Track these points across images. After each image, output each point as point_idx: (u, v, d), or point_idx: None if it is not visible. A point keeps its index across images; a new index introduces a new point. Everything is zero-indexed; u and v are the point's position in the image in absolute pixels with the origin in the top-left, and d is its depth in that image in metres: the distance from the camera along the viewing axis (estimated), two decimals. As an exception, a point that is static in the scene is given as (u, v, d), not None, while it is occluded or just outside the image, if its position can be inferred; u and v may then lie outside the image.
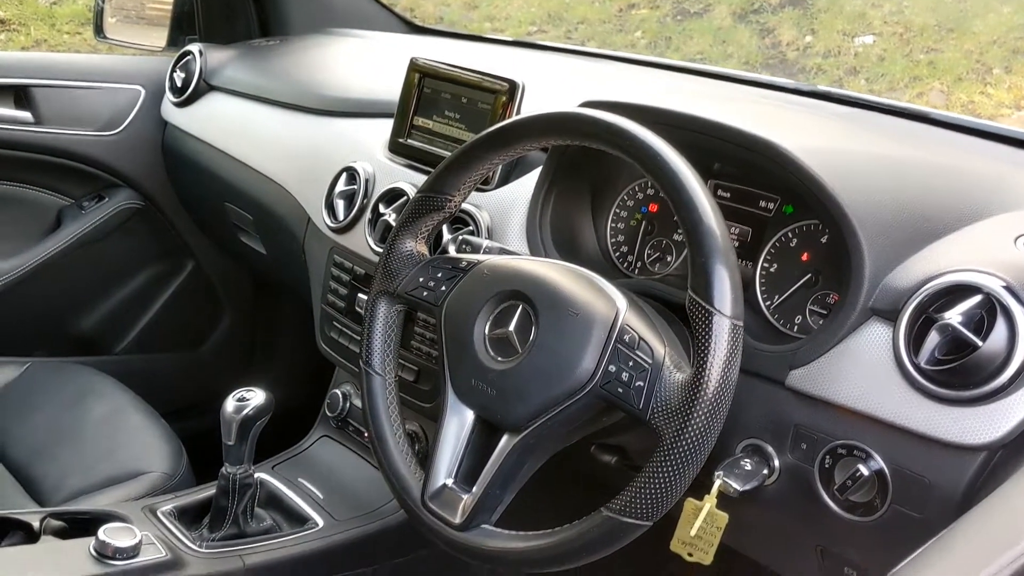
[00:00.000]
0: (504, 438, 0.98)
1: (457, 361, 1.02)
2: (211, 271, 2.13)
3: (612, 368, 0.92)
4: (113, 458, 1.51)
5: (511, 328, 0.99)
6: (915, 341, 0.93)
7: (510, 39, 2.33)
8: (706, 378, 0.86)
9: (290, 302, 2.13)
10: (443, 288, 1.06)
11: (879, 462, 0.95)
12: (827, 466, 0.99)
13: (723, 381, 0.87)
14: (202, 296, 2.15)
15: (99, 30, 2.11)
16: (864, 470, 0.96)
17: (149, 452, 1.52)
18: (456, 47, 1.97)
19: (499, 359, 0.99)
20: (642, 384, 0.90)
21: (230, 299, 2.18)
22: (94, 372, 1.73)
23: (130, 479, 1.46)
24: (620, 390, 0.91)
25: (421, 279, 1.08)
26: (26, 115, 1.86)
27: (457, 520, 0.99)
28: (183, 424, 1.69)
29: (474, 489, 0.99)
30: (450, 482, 1.01)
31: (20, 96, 1.86)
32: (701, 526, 1.02)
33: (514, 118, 1.05)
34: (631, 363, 0.92)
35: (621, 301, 0.97)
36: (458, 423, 1.02)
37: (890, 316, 0.96)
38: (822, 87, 1.51)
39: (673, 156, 0.92)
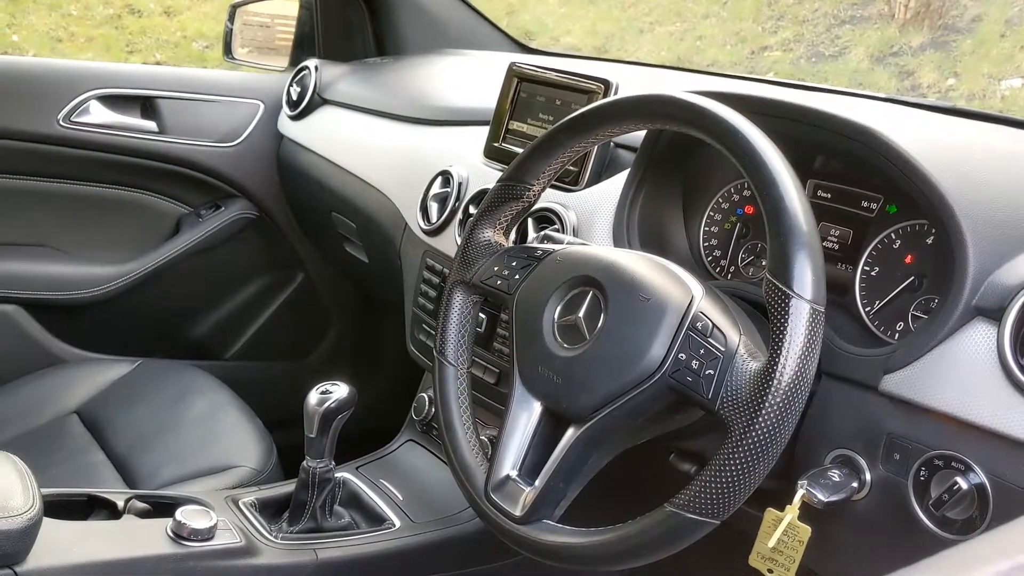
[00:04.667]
0: (569, 430, 0.94)
1: (525, 349, 0.99)
2: (320, 282, 2.17)
3: (683, 356, 0.87)
4: (206, 452, 1.53)
5: (580, 314, 0.95)
6: (1022, 341, 0.85)
7: (623, 60, 2.31)
8: (781, 366, 0.80)
9: (392, 314, 2.15)
10: (517, 277, 1.04)
11: (979, 475, 0.87)
12: (922, 479, 0.91)
13: (800, 370, 0.80)
14: (310, 307, 2.19)
15: (228, 51, 2.21)
16: (963, 483, 0.87)
17: (241, 448, 1.54)
18: (568, 63, 1.97)
19: (566, 346, 0.95)
20: (712, 372, 0.85)
21: (337, 311, 2.21)
22: (199, 372, 1.78)
23: (219, 472, 1.48)
24: (689, 379, 0.86)
25: (496, 268, 1.06)
26: (151, 125, 1.95)
27: (518, 513, 0.95)
28: (285, 433, 1.71)
29: (536, 482, 0.95)
30: (514, 473, 0.98)
31: (146, 106, 1.95)
32: (781, 538, 0.95)
33: (594, 104, 1.02)
34: (702, 351, 0.86)
35: (697, 288, 0.92)
36: (526, 414, 0.98)
37: (995, 315, 0.88)
38: (934, 100, 1.42)
39: (756, 134, 0.88)
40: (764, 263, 1.19)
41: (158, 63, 5.83)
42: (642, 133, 1.22)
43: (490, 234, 1.09)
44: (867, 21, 5.86)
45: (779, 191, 0.84)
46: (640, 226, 1.22)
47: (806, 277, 0.81)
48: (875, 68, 5.53)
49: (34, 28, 5.84)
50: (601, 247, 1.05)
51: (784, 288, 0.81)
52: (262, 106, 2.05)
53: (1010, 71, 5.16)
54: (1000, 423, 0.85)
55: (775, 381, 0.80)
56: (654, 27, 6.47)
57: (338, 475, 1.32)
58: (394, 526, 1.33)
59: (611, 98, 1.01)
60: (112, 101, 1.92)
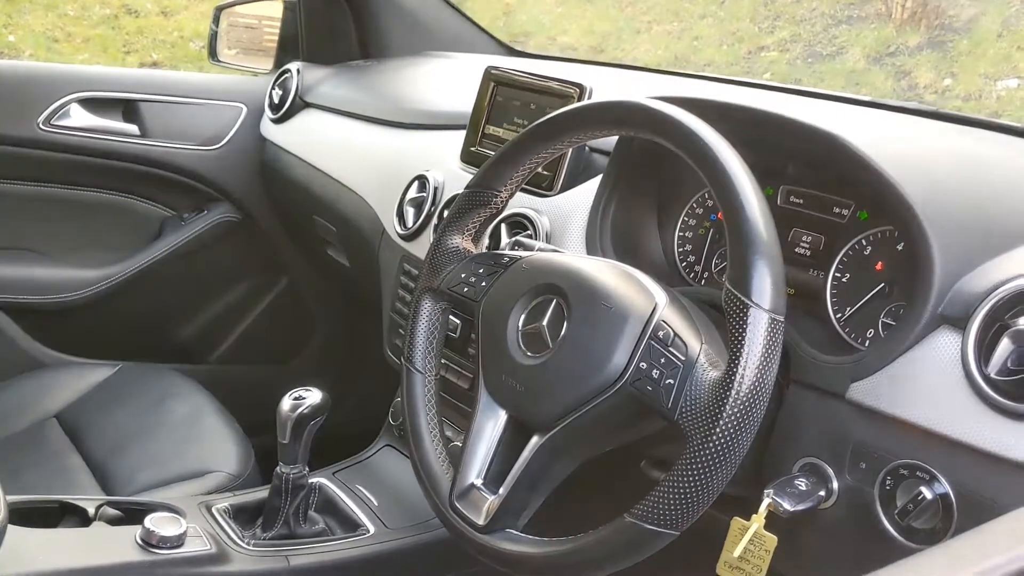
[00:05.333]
0: (533, 438, 0.93)
1: (490, 357, 0.98)
2: (304, 286, 2.16)
3: (644, 365, 0.87)
4: (183, 456, 1.53)
5: (544, 323, 0.94)
6: (986, 350, 0.84)
7: (607, 62, 2.30)
8: (739, 376, 0.79)
9: (375, 318, 2.14)
10: (483, 284, 1.03)
11: (944, 484, 0.86)
12: (888, 488, 0.90)
13: (758, 380, 0.80)
14: (294, 311, 2.18)
15: (213, 53, 2.20)
16: (927, 493, 0.87)
17: (218, 453, 1.53)
18: (548, 66, 1.96)
19: (529, 354, 0.95)
20: (672, 382, 0.84)
21: (321, 314, 2.20)
22: (180, 376, 1.77)
23: (196, 477, 1.47)
24: (649, 388, 0.85)
25: (463, 275, 1.06)
26: (133, 128, 1.94)
27: (481, 521, 0.94)
28: (268, 437, 1.70)
29: (500, 490, 0.95)
30: (479, 482, 0.97)
31: (128, 110, 1.94)
32: (748, 547, 0.94)
33: (558, 111, 1.01)
34: (663, 360, 0.86)
35: (661, 296, 0.91)
36: (491, 422, 0.98)
37: (960, 323, 0.87)
38: (916, 104, 1.41)
39: (717, 141, 0.87)
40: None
41: (155, 63, 5.82)
42: (616, 138, 1.21)
43: (458, 240, 1.09)
44: (864, 21, 5.85)
45: (739, 199, 0.83)
46: (613, 232, 1.21)
47: (765, 286, 0.81)
48: (872, 68, 5.52)
49: (31, 28, 5.84)
50: (567, 254, 1.04)
51: (743, 297, 0.81)
52: (245, 109, 2.04)
53: (1006, 71, 5.15)
54: (964, 433, 0.84)
55: (733, 391, 0.79)
56: (651, 27, 6.46)
57: (313, 481, 1.32)
58: (368, 532, 1.32)
59: (574, 105, 1.00)
60: (94, 104, 1.91)
